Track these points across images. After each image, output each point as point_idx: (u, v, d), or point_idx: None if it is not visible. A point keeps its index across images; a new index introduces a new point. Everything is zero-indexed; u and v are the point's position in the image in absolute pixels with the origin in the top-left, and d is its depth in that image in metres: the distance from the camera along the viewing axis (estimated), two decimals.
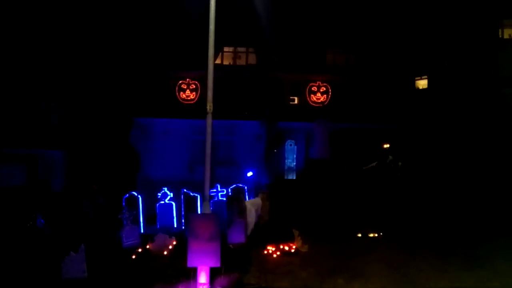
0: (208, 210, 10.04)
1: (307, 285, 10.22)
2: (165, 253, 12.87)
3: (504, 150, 20.38)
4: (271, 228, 15.25)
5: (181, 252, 11.07)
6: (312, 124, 22.21)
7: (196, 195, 17.11)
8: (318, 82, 23.75)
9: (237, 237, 13.74)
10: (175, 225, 17.06)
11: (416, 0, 23.09)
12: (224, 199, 17.13)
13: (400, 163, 20.17)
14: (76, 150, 22.04)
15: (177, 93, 23.44)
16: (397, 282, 10.27)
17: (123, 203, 16.23)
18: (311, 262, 12.08)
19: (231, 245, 13.42)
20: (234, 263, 11.27)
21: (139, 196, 16.77)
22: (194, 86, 23.39)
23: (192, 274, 9.49)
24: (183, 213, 17.17)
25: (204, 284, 9.22)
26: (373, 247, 13.67)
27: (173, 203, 17.34)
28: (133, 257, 12.61)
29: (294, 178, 22.48)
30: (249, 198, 17.10)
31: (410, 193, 18.02)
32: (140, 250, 13.13)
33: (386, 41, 23.87)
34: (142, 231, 15.75)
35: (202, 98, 20.47)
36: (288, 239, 13.63)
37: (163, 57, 23.32)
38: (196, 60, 19.64)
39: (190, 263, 9.33)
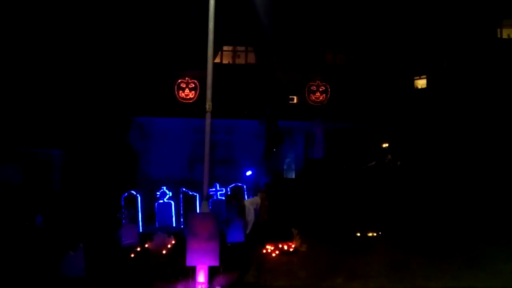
0: (207, 209, 10.02)
1: (306, 284, 10.22)
2: (164, 252, 12.86)
3: (503, 150, 20.37)
4: (270, 227, 15.22)
5: (180, 251, 11.06)
6: (311, 123, 22.19)
7: (195, 194, 17.08)
8: (317, 82, 23.76)
9: (236, 236, 13.73)
10: (174, 224, 17.03)
11: (415, 0, 23.10)
12: (223, 198, 17.11)
13: (399, 163, 20.16)
14: (75, 149, 22.01)
15: (176, 92, 23.39)
16: (396, 281, 10.25)
17: (122, 202, 16.22)
18: (310, 261, 12.07)
19: (229, 244, 13.41)
20: (233, 262, 11.26)
21: (138, 195, 16.75)
22: (193, 85, 23.34)
23: (191, 273, 9.48)
24: (182, 212, 17.15)
25: (202, 283, 9.20)
26: (372, 247, 13.65)
27: (172, 202, 17.31)
28: (132, 256, 12.60)
29: (293, 177, 22.44)
30: (248, 197, 17.08)
31: (409, 192, 17.99)
32: (138, 249, 13.12)
33: (385, 40, 23.86)
34: (140, 230, 15.73)
35: (202, 97, 20.44)
36: (287, 238, 13.62)
37: (162, 56, 23.28)
38: (195, 59, 19.61)
39: (189, 262, 9.32)
